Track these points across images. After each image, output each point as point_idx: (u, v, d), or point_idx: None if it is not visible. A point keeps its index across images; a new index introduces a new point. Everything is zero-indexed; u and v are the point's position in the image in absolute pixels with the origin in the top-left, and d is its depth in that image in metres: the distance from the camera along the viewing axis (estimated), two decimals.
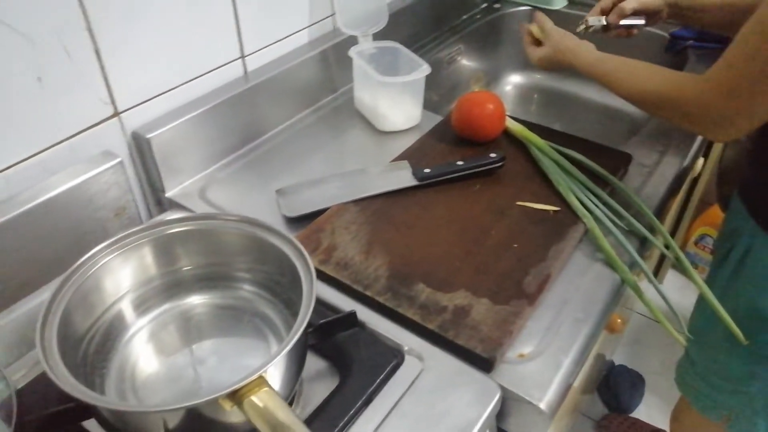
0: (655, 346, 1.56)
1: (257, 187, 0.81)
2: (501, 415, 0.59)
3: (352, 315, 0.60)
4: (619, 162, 0.82)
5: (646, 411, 1.43)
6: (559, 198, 0.76)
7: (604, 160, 0.80)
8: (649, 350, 1.55)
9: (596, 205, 0.75)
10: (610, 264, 0.70)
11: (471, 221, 0.73)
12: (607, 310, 0.67)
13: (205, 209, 0.77)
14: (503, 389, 0.57)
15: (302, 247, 0.52)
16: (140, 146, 0.75)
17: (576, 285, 0.67)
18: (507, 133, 0.86)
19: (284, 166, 0.85)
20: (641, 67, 0.71)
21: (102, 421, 0.48)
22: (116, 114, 0.71)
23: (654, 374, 1.49)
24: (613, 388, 1.44)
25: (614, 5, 0.87)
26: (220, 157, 0.85)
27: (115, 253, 0.53)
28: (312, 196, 0.77)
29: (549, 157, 0.80)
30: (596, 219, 0.73)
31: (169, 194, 0.79)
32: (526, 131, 0.84)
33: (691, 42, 1.09)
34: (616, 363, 1.50)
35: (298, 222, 0.74)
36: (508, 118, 0.85)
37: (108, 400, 0.42)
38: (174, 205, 0.78)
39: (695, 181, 1.39)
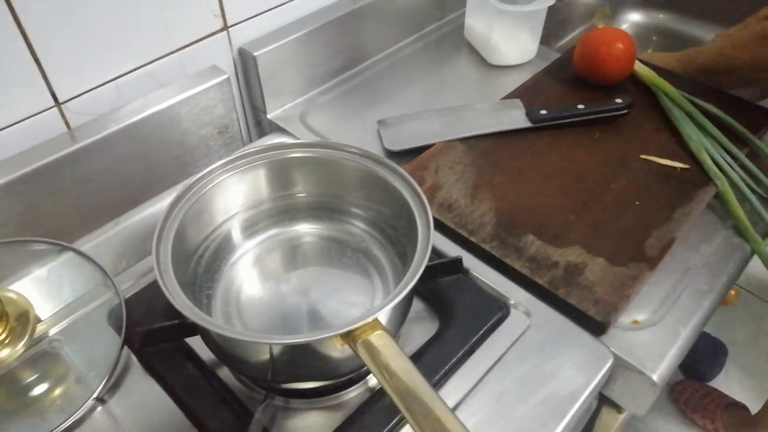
0: (743, 317, 1.47)
1: (357, 115, 0.78)
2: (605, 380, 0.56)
3: (458, 261, 0.57)
4: (761, 119, 0.73)
5: (726, 382, 1.36)
6: (688, 154, 0.69)
7: (743, 117, 0.72)
8: (736, 320, 1.47)
9: (731, 166, 0.67)
10: (741, 233, 0.63)
11: (588, 172, 0.67)
12: (732, 283, 0.62)
13: (305, 134, 0.74)
14: (614, 355, 0.53)
15: (424, 195, 0.48)
16: (246, 63, 0.72)
17: (701, 252, 0.62)
18: (633, 78, 0.78)
19: (385, 96, 0.81)
20: None
21: (208, 340, 0.48)
22: (225, 28, 0.69)
23: (738, 345, 1.41)
24: (691, 354, 1.37)
25: None
26: (321, 81, 0.81)
27: (231, 173, 0.51)
28: (415, 130, 0.73)
29: (681, 107, 0.72)
30: (730, 182, 0.66)
31: (270, 116, 0.77)
32: (656, 77, 0.76)
33: None
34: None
35: (399, 156, 0.71)
36: (636, 61, 0.77)
37: (228, 328, 0.41)
38: (274, 127, 0.77)
39: None
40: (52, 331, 0.52)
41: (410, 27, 0.90)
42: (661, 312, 0.57)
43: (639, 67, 0.77)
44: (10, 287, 0.53)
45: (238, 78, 0.74)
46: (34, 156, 0.57)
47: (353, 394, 0.51)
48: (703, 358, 1.37)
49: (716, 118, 0.72)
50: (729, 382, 1.36)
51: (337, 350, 0.42)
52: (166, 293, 0.42)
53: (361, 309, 0.52)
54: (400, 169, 0.51)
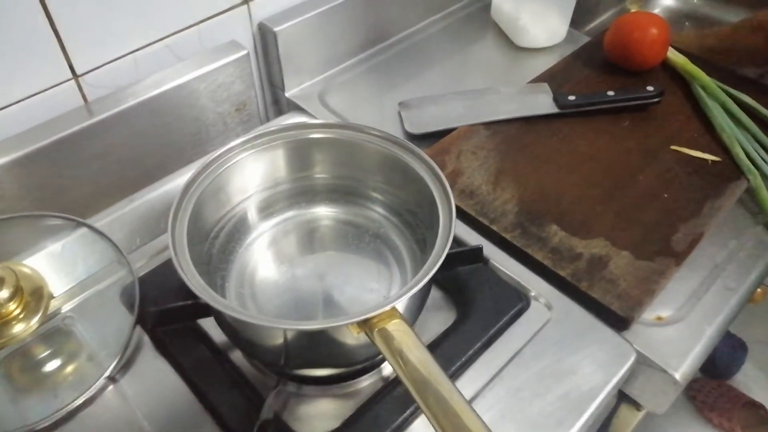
0: (764, 315, 1.44)
1: (377, 95, 0.76)
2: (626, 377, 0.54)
3: (478, 250, 0.55)
4: None
5: (744, 380, 1.34)
6: (720, 147, 0.66)
7: None
8: (758, 318, 1.43)
9: (765, 161, 0.65)
10: None
11: (616, 162, 0.65)
12: (760, 281, 0.59)
13: (324, 114, 0.73)
14: (636, 352, 0.52)
15: (446, 182, 0.47)
16: (265, 39, 0.71)
17: (729, 248, 0.59)
18: (665, 65, 0.75)
19: (406, 76, 0.79)
20: None
21: (221, 323, 0.47)
22: (245, 1, 0.67)
23: (759, 343, 1.38)
24: (710, 352, 1.35)
25: None
26: (341, 59, 0.79)
27: (250, 152, 0.50)
28: (437, 113, 0.72)
29: (714, 97, 0.70)
30: (763, 176, 0.63)
31: (288, 94, 0.75)
32: (690, 64, 0.73)
33: None
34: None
35: (420, 140, 0.69)
36: (670, 48, 0.74)
37: (243, 311, 0.40)
38: (292, 105, 0.75)
39: None
40: (65, 308, 0.52)
41: (434, 6, 0.88)
42: (686, 309, 0.55)
43: (672, 54, 0.74)
44: (25, 262, 0.52)
45: (257, 54, 0.72)
46: (50, 129, 0.57)
47: (366, 383, 0.50)
48: (722, 355, 1.35)
49: (751, 109, 0.69)
50: (747, 381, 1.34)
51: (353, 338, 0.41)
52: (181, 274, 0.41)
53: (378, 296, 0.51)
54: (423, 154, 0.49)
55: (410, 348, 0.38)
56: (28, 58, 0.55)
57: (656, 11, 1.16)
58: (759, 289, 0.73)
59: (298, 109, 0.74)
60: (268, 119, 0.79)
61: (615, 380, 0.50)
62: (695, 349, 0.53)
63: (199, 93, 0.64)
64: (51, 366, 0.49)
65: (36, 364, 0.49)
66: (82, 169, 0.59)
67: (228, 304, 0.42)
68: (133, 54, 0.61)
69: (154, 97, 0.61)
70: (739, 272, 0.58)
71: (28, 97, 0.57)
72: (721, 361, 1.33)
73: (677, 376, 0.51)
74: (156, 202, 0.63)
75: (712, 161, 0.65)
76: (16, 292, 0.48)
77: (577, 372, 0.50)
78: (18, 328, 0.48)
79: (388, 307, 0.39)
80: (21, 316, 0.48)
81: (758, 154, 0.65)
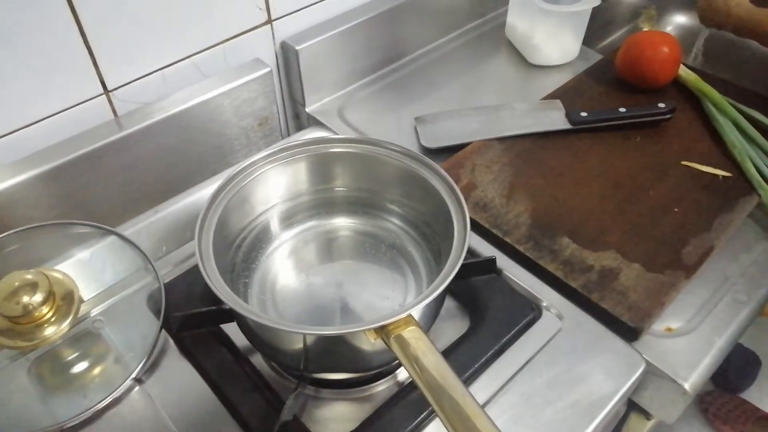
0: None
1: (395, 111, 0.78)
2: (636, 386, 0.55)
3: (492, 261, 0.57)
4: None
5: (758, 394, 1.33)
6: (731, 162, 0.67)
7: None
8: None
9: None
10: None
11: (627, 177, 0.66)
12: None
13: (343, 129, 0.75)
14: (645, 362, 0.53)
15: (461, 194, 0.48)
16: (287, 57, 0.73)
17: (739, 262, 0.60)
18: (676, 82, 0.77)
19: (423, 92, 0.81)
20: None
21: (243, 328, 0.49)
22: (269, 21, 0.70)
23: None
24: (723, 365, 1.34)
25: None
26: (360, 76, 0.82)
27: (273, 165, 0.52)
28: (453, 127, 0.74)
29: (726, 114, 0.71)
30: None
31: (308, 109, 0.77)
32: (701, 82, 0.74)
33: None
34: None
35: (435, 154, 0.71)
36: (681, 66, 0.76)
37: (266, 317, 0.42)
38: (312, 120, 0.77)
39: None
40: (94, 312, 0.54)
41: (451, 24, 0.90)
42: (696, 321, 0.56)
43: (684, 72, 0.76)
44: (56, 267, 0.55)
45: (279, 71, 0.75)
46: (82, 142, 0.59)
47: (382, 387, 0.52)
48: (735, 368, 1.34)
49: (762, 125, 0.70)
50: (761, 395, 1.33)
51: (369, 344, 0.43)
52: (208, 280, 0.43)
53: (393, 304, 0.53)
54: (439, 168, 0.51)
55: (425, 354, 0.40)
56: (62, 74, 0.57)
57: (668, 29, 1.18)
58: None
59: (318, 123, 0.77)
60: (289, 133, 0.82)
61: (624, 389, 0.51)
62: (705, 360, 0.54)
63: (224, 108, 0.66)
64: (80, 367, 0.52)
65: (66, 365, 0.52)
66: (111, 180, 0.62)
67: (251, 309, 0.44)
68: (161, 71, 0.64)
69: (181, 112, 0.63)
70: (750, 286, 0.59)
71: (62, 111, 0.60)
72: (735, 375, 1.32)
73: (686, 386, 0.52)
74: (181, 212, 0.65)
75: (723, 177, 0.66)
76: (49, 296, 0.50)
77: (588, 380, 0.51)
78: (49, 331, 0.50)
79: (404, 315, 0.41)
80: (53, 319, 0.50)
81: None
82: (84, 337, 0.53)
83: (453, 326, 0.56)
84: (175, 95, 0.64)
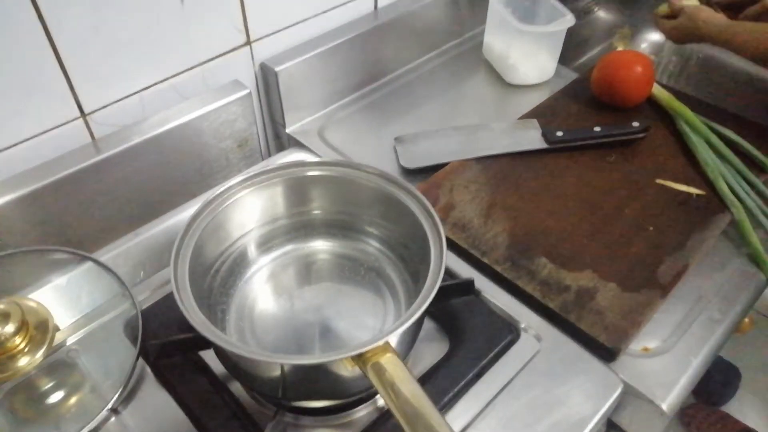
0: (758, 342, 1.45)
1: (374, 131, 0.79)
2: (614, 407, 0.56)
3: (470, 283, 0.57)
4: None
5: (739, 407, 1.35)
6: (704, 180, 0.69)
7: (762, 143, 0.71)
8: (751, 345, 1.44)
9: (747, 194, 0.67)
10: (755, 261, 0.63)
11: (603, 195, 0.67)
12: (746, 312, 0.61)
13: (323, 149, 0.75)
14: (623, 383, 0.53)
15: (438, 218, 0.49)
16: (267, 78, 0.73)
17: (714, 280, 0.61)
18: (650, 101, 0.78)
19: (402, 112, 0.82)
20: None
21: (221, 355, 0.49)
22: (248, 43, 0.70)
23: (753, 370, 1.39)
24: (704, 378, 1.35)
25: None
26: (340, 96, 0.82)
27: (249, 189, 0.52)
28: (431, 147, 0.74)
29: (698, 132, 0.72)
30: (746, 209, 0.65)
31: (289, 130, 0.78)
32: (674, 101, 0.76)
33: None
34: None
35: (414, 174, 0.71)
36: (655, 85, 0.77)
37: (241, 346, 0.42)
38: (293, 141, 0.78)
39: None
40: (70, 340, 0.53)
41: (429, 44, 0.91)
42: (673, 340, 0.57)
43: (657, 91, 0.77)
44: (31, 296, 0.54)
45: (258, 92, 0.75)
46: (58, 166, 0.59)
47: (362, 413, 0.52)
48: (716, 381, 1.36)
49: (734, 143, 0.71)
50: (742, 408, 1.34)
51: (348, 371, 0.43)
52: (183, 309, 0.43)
53: (373, 329, 0.53)
54: (414, 190, 0.52)
55: (402, 381, 0.40)
56: (38, 98, 0.57)
57: (643, 46, 1.20)
58: (746, 319, 0.75)
59: (299, 144, 0.77)
60: (269, 154, 0.82)
61: (602, 411, 0.51)
62: (681, 380, 0.54)
63: (203, 131, 0.66)
64: (54, 398, 0.51)
65: (40, 396, 0.51)
66: (89, 205, 0.61)
67: (227, 339, 0.43)
68: (139, 93, 0.64)
69: (159, 135, 0.63)
70: (724, 303, 0.60)
71: (38, 135, 0.59)
72: (716, 388, 1.34)
73: (664, 406, 0.52)
74: (160, 235, 0.65)
75: (697, 195, 0.67)
76: (22, 326, 0.49)
77: (567, 402, 0.51)
78: (23, 362, 0.49)
79: (380, 342, 0.41)
80: (26, 349, 0.50)
81: (741, 187, 0.68)
82: (59, 367, 0.52)
83: (433, 348, 0.56)
84: (153, 118, 0.64)
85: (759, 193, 0.67)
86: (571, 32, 0.83)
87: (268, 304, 0.54)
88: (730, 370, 1.38)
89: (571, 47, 1.09)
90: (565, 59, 0.87)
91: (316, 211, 0.56)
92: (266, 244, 0.57)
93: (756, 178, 0.68)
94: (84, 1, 0.55)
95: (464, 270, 0.61)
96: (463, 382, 0.52)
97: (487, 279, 0.61)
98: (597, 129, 0.72)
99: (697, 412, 1.31)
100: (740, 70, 1.08)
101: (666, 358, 0.55)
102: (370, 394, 0.51)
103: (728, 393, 1.35)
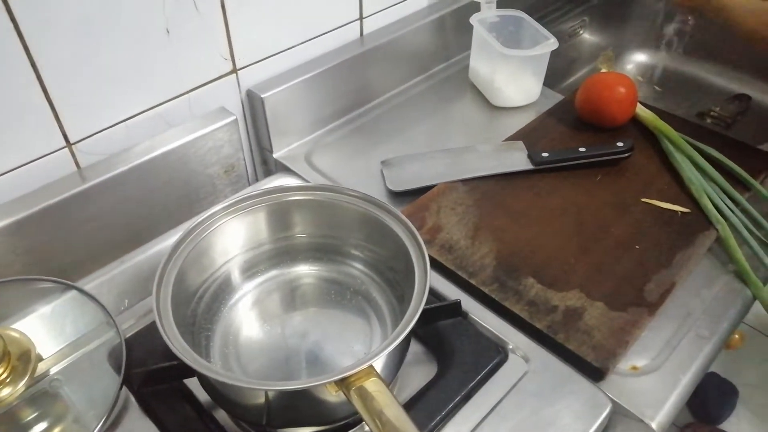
0: (754, 358, 1.44)
1: (362, 155, 0.79)
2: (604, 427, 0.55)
3: (457, 305, 0.57)
4: (763, 164, 0.74)
5: (736, 424, 1.34)
6: (689, 198, 0.69)
7: (745, 160, 0.72)
8: (747, 361, 1.44)
9: (732, 211, 0.67)
10: (741, 277, 0.63)
11: (589, 215, 0.67)
12: (734, 328, 0.61)
13: (310, 174, 0.76)
14: (612, 402, 0.53)
15: (422, 241, 0.49)
16: (253, 105, 0.74)
17: (701, 297, 0.61)
18: (634, 121, 0.79)
19: (389, 136, 0.82)
20: None
21: (204, 383, 0.48)
22: (234, 71, 0.71)
23: (749, 386, 1.38)
24: (701, 396, 1.35)
25: None
26: (327, 121, 0.83)
27: (232, 216, 0.52)
28: (418, 170, 0.74)
29: (682, 151, 0.73)
30: (731, 226, 0.66)
31: (276, 155, 0.78)
32: (659, 120, 0.77)
33: None
34: (709, 369, 1.40)
35: (401, 196, 0.72)
36: (638, 105, 0.78)
37: (224, 373, 0.42)
38: (280, 166, 0.78)
39: None
40: (53, 370, 0.53)
41: (416, 68, 0.92)
42: (661, 358, 0.56)
43: (641, 110, 0.78)
44: (14, 325, 0.54)
45: (245, 118, 0.76)
46: (43, 195, 0.59)
47: None
48: (713, 399, 1.35)
49: (718, 162, 0.72)
50: (740, 425, 1.33)
51: (332, 396, 0.43)
52: (165, 338, 0.42)
53: (360, 352, 0.52)
54: (399, 213, 0.52)
55: (386, 405, 0.40)
56: (23, 128, 0.57)
57: (629, 67, 1.22)
58: (736, 335, 0.75)
59: (286, 169, 0.77)
60: (257, 179, 0.82)
61: (592, 430, 0.51)
62: (671, 398, 0.54)
63: (189, 158, 0.67)
64: (37, 429, 0.50)
65: (22, 427, 0.50)
66: (74, 233, 0.61)
67: (209, 367, 0.43)
68: (125, 122, 0.64)
69: (145, 163, 0.63)
70: (711, 320, 0.60)
71: (23, 165, 0.59)
72: (713, 406, 1.33)
73: (653, 425, 0.52)
74: (145, 263, 0.64)
75: (682, 213, 0.68)
76: (3, 357, 0.49)
77: (555, 423, 0.51)
78: (4, 392, 0.49)
79: (364, 366, 0.41)
80: (8, 380, 0.49)
81: (725, 204, 0.68)
82: (42, 397, 0.51)
83: (420, 371, 0.56)
84: (139, 146, 0.64)
85: (743, 210, 0.68)
86: (556, 55, 0.84)
87: (253, 331, 0.54)
88: (727, 388, 1.37)
89: (557, 69, 1.10)
90: (550, 81, 0.89)
91: (300, 236, 0.56)
92: (250, 269, 0.57)
93: (740, 195, 0.69)
94: (69, 31, 0.56)
95: (452, 292, 0.61)
96: (451, 405, 0.51)
97: (475, 300, 0.60)
98: (582, 149, 0.73)
99: (694, 430, 1.30)
100: (707, 85, 1.10)
101: (655, 377, 0.55)
102: (356, 420, 0.50)
103: (726, 410, 1.34)
